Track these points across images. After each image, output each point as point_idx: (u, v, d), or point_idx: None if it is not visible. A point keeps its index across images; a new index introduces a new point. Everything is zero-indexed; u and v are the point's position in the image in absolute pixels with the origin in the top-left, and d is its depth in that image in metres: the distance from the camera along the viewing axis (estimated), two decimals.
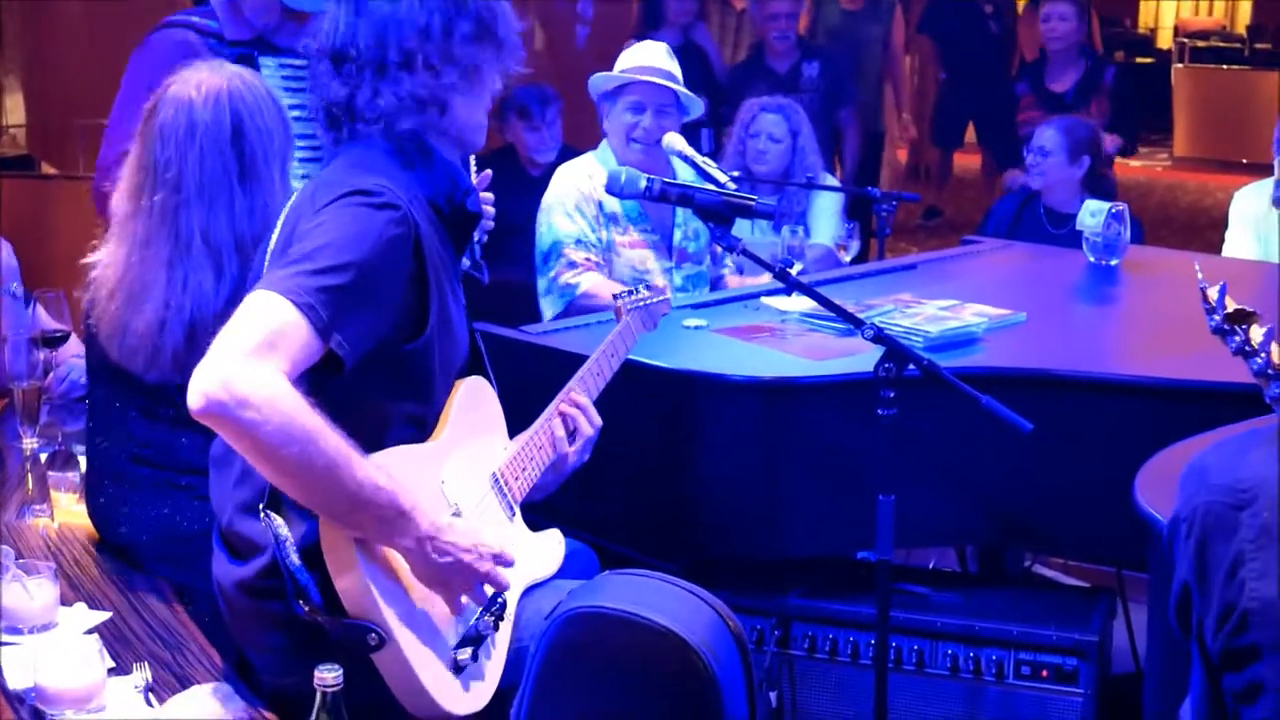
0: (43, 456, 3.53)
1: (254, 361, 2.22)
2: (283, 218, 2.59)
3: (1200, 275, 2.62)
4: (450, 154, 2.68)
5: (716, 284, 4.78)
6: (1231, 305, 2.48)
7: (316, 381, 2.36)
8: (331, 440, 2.27)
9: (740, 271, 4.83)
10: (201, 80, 2.98)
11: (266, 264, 2.54)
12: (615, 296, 3.32)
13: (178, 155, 2.94)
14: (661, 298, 3.40)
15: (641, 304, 3.31)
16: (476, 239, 3.55)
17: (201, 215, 2.94)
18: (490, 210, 3.66)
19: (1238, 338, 2.44)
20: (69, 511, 3.31)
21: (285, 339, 2.27)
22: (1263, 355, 2.39)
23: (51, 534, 3.20)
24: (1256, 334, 2.41)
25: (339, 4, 2.61)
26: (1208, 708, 1.75)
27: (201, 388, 2.21)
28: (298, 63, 3.75)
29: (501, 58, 2.68)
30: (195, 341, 2.88)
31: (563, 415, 2.92)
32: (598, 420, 2.96)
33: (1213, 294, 2.53)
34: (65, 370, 3.88)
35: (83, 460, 3.43)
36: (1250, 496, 1.64)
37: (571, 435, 2.92)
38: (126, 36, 4.71)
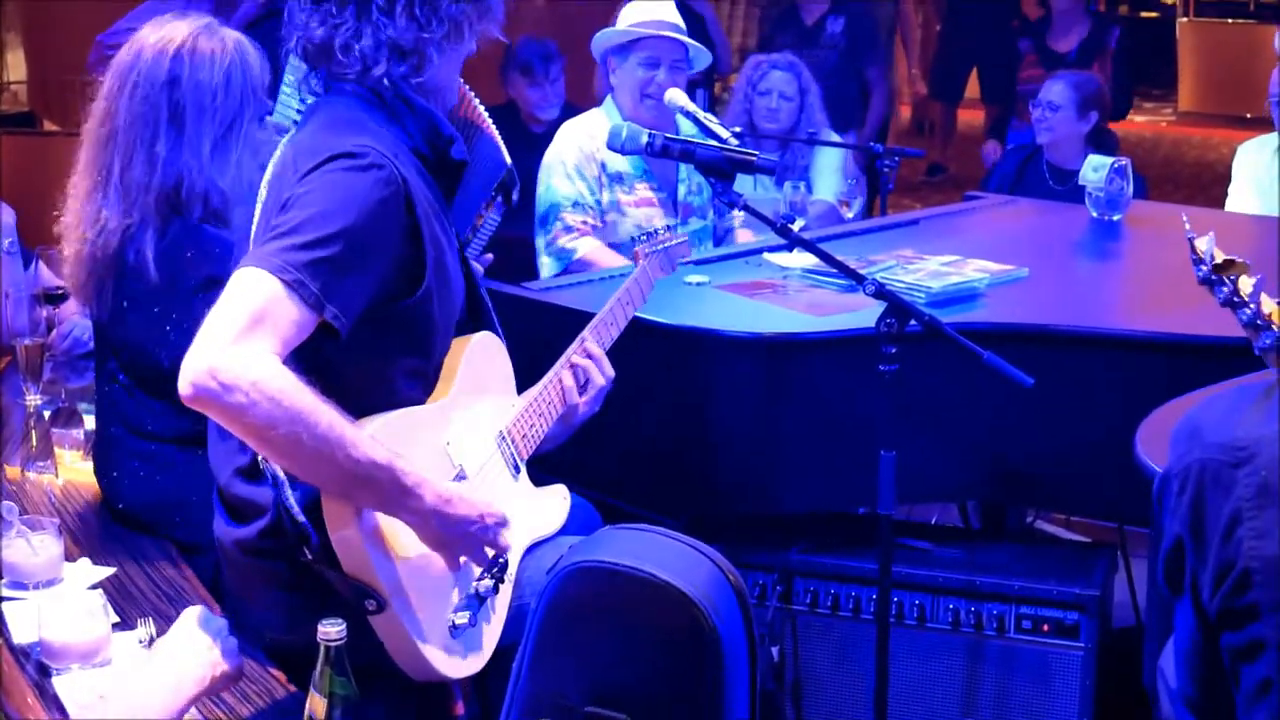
0: (46, 413, 3.53)
1: (240, 344, 2.20)
2: (264, 185, 2.54)
3: (1188, 226, 2.62)
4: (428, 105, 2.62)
5: (725, 238, 4.77)
6: (1220, 256, 2.47)
7: (313, 350, 2.34)
8: (324, 419, 2.25)
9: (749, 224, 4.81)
10: (166, 29, 3.01)
11: (253, 233, 2.51)
12: (634, 240, 3.31)
13: (116, 90, 2.98)
14: (680, 239, 3.38)
15: (661, 246, 3.29)
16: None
17: (123, 153, 2.96)
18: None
19: (1226, 288, 2.44)
20: (73, 469, 3.32)
21: (273, 317, 2.24)
22: (1251, 306, 2.39)
23: (56, 490, 3.21)
24: (1245, 284, 2.41)
25: None
26: (1200, 661, 1.75)
27: (189, 375, 2.19)
28: None
29: (483, 19, 2.60)
30: (93, 274, 2.98)
31: (574, 367, 2.91)
32: (610, 371, 2.95)
33: (1201, 245, 2.52)
34: (68, 327, 3.88)
35: (87, 418, 3.44)
36: (1247, 455, 1.63)
37: (583, 386, 2.91)
38: None
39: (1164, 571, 1.76)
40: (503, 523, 2.49)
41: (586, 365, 2.91)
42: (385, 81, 2.52)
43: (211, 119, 2.95)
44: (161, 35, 2.99)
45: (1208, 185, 10.65)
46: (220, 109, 2.96)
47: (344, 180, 2.36)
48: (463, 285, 2.67)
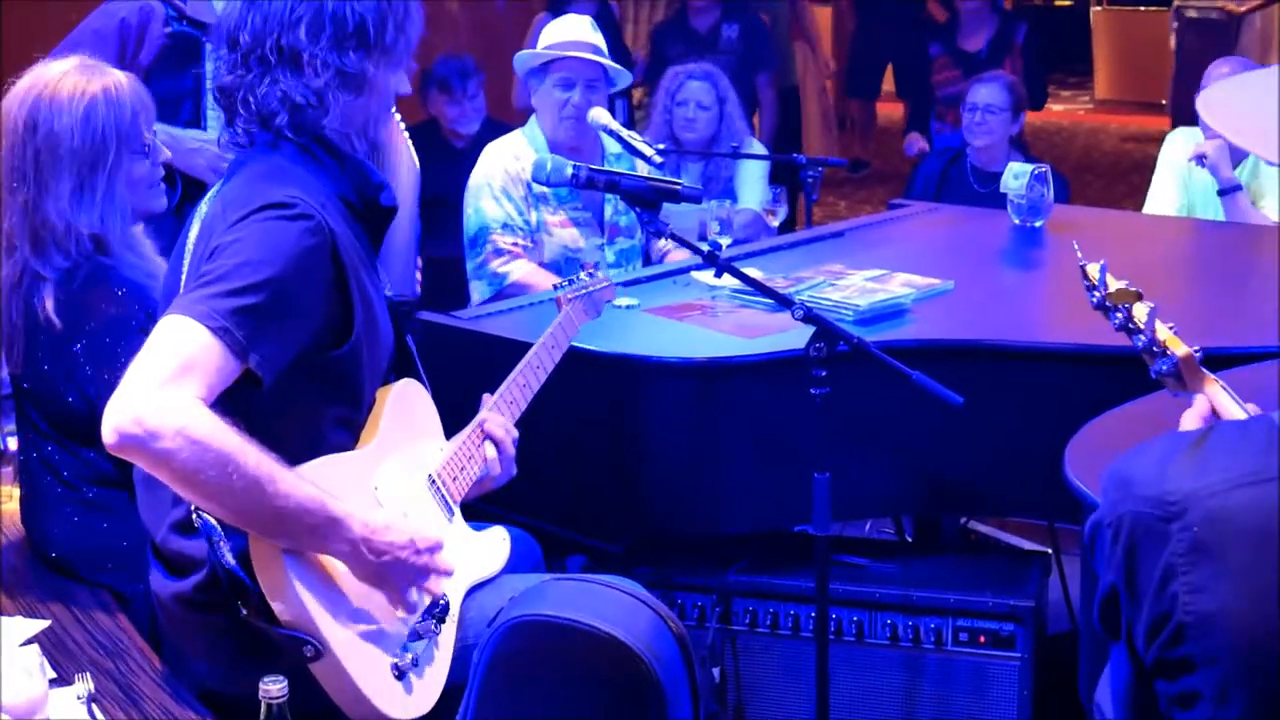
0: None
1: (166, 391, 2.21)
2: (194, 234, 2.54)
3: (1079, 254, 2.65)
4: (355, 149, 2.63)
5: (661, 258, 4.76)
6: (1114, 285, 2.51)
7: (240, 398, 2.34)
8: (251, 460, 2.26)
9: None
10: (37, 75, 2.98)
11: (182, 283, 2.50)
12: (556, 286, 3.30)
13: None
14: (604, 284, 3.38)
15: (584, 292, 3.29)
16: None
17: (5, 199, 2.95)
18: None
19: (1119, 315, 2.48)
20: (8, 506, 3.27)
21: (199, 364, 2.25)
22: (1145, 334, 2.43)
23: None
24: (1140, 311, 2.45)
25: None
26: (1136, 703, 1.76)
27: (113, 423, 2.19)
28: None
29: (391, 63, 2.59)
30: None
31: (490, 437, 2.84)
32: (510, 445, 2.88)
33: (1093, 271, 2.57)
34: None
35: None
36: (1179, 509, 1.64)
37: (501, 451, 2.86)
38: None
39: (1099, 617, 1.77)
40: (435, 547, 2.49)
41: (501, 436, 2.85)
42: (289, 133, 2.52)
43: (70, 161, 2.91)
44: (31, 81, 2.97)
45: (1126, 172, 10.78)
46: (79, 150, 2.91)
47: (272, 230, 2.37)
48: (391, 331, 2.67)
